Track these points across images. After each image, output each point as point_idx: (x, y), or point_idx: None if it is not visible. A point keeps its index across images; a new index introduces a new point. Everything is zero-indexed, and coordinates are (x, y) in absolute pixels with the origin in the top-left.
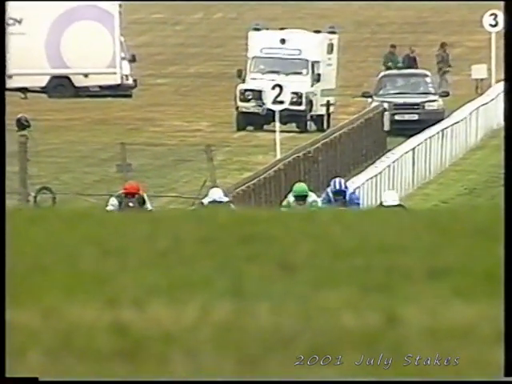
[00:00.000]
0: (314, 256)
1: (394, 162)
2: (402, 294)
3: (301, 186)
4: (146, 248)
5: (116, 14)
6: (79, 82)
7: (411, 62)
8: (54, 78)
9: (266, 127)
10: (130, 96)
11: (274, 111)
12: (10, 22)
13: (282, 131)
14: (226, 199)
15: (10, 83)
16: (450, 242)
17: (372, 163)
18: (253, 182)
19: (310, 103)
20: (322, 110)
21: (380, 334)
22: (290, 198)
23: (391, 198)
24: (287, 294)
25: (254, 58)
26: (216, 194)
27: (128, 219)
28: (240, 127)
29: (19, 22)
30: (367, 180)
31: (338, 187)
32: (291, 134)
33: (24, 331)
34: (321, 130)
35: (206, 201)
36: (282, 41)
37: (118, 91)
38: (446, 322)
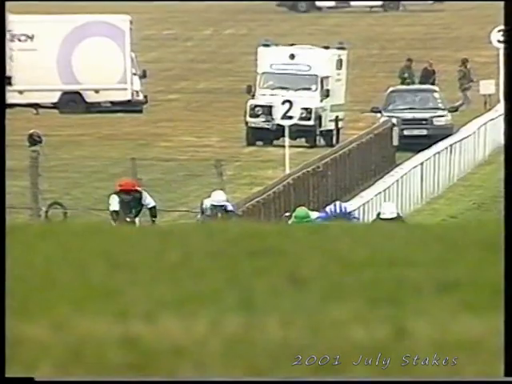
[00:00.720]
0: (323, 269)
1: (402, 176)
2: (411, 307)
3: (302, 211)
4: (156, 262)
5: (127, 31)
6: (90, 97)
7: (429, 76)
8: (66, 93)
9: (275, 142)
10: (140, 111)
11: (283, 126)
12: (22, 38)
13: (291, 146)
14: (227, 204)
15: (22, 99)
16: (458, 255)
17: (381, 178)
18: (262, 196)
19: (319, 118)
20: (331, 125)
21: (389, 347)
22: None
23: (389, 211)
24: (296, 307)
25: (263, 73)
26: (218, 197)
27: (138, 233)
28: (250, 142)
29: (31, 38)
30: (376, 195)
31: (338, 211)
32: (300, 149)
33: (35, 344)
34: (330, 145)
35: (207, 202)
36: (292, 56)
37: (128, 107)
38: (454, 335)
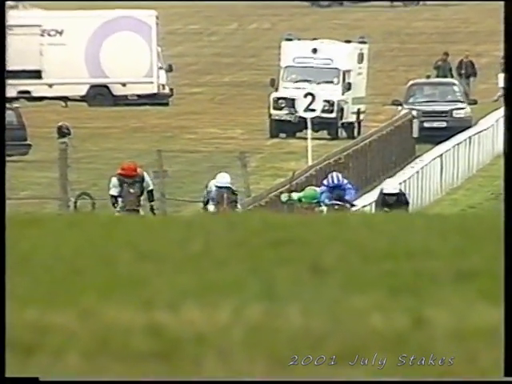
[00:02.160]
0: (344, 260)
1: (422, 168)
2: (430, 296)
3: (311, 192)
4: (180, 252)
5: (153, 25)
6: (118, 91)
7: (468, 67)
8: (94, 87)
9: (298, 134)
10: (166, 104)
11: (306, 119)
12: (52, 33)
13: (313, 138)
14: (232, 186)
15: (51, 92)
16: (476, 245)
17: (401, 169)
18: (285, 187)
19: (341, 111)
20: (353, 118)
21: (408, 336)
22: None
23: (392, 186)
24: (317, 296)
25: (286, 67)
26: (223, 178)
27: (163, 224)
28: (273, 134)
29: (60, 33)
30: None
31: (336, 182)
32: (323, 141)
33: (62, 333)
34: (351, 137)
35: (212, 184)
36: (314, 50)
37: (155, 100)
38: (472, 324)
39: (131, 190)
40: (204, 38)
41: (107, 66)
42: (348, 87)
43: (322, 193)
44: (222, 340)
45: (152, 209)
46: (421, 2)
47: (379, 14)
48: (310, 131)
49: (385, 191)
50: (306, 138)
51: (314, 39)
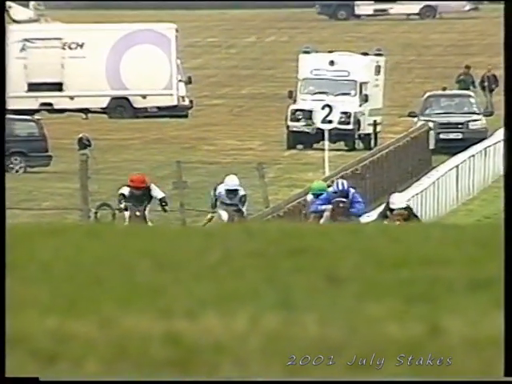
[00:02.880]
0: (360, 268)
1: (438, 178)
2: (445, 305)
3: (319, 184)
4: (198, 261)
5: (173, 38)
6: (138, 103)
7: (491, 81)
8: (114, 99)
9: (315, 146)
10: (186, 116)
11: (323, 130)
12: (73, 46)
13: (330, 149)
14: (240, 189)
15: (72, 104)
16: (491, 255)
17: (417, 180)
18: (303, 198)
19: (358, 122)
20: (370, 129)
21: (423, 344)
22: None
23: (398, 201)
24: (333, 305)
25: (304, 79)
26: (231, 181)
27: (181, 233)
28: (290, 146)
29: (81, 46)
30: (413, 196)
31: (340, 188)
32: (340, 152)
33: (82, 341)
34: (368, 148)
35: (221, 188)
36: (331, 63)
37: (174, 112)
38: (487, 333)
39: (137, 213)
40: (223, 51)
41: (127, 78)
42: (365, 99)
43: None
44: (239, 348)
45: (165, 210)
46: (437, 15)
47: (396, 27)
48: (327, 142)
49: (392, 206)
50: (323, 149)
51: (331, 52)
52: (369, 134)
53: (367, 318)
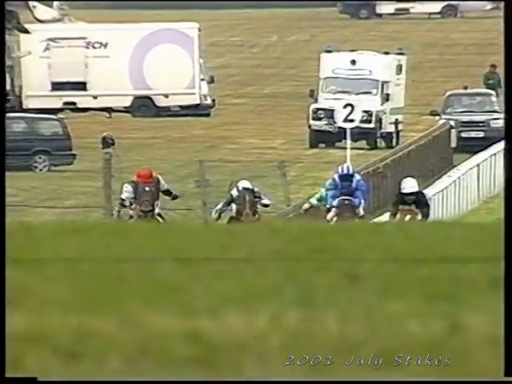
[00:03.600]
0: (380, 266)
1: (459, 177)
2: (466, 302)
3: (319, 194)
4: (220, 259)
5: (195, 38)
6: (160, 102)
7: None
8: (137, 98)
9: (337, 144)
10: (208, 115)
11: (345, 129)
12: (96, 45)
13: (352, 148)
14: (254, 188)
15: (96, 104)
16: None
17: (439, 178)
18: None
19: (379, 121)
20: (391, 128)
21: (444, 342)
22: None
23: (409, 185)
24: (354, 302)
25: (325, 78)
26: (245, 183)
27: (205, 232)
28: (312, 144)
29: (104, 45)
30: (434, 194)
31: (345, 171)
32: (361, 151)
33: (105, 339)
34: (390, 146)
35: (235, 192)
36: (353, 62)
37: (197, 111)
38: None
39: (146, 188)
40: (245, 50)
41: (150, 77)
42: (386, 98)
43: (329, 189)
44: (261, 345)
45: (174, 198)
46: (458, 14)
47: (418, 26)
48: (349, 141)
49: (403, 191)
50: (345, 148)
51: (353, 51)
52: (390, 133)
53: (388, 315)
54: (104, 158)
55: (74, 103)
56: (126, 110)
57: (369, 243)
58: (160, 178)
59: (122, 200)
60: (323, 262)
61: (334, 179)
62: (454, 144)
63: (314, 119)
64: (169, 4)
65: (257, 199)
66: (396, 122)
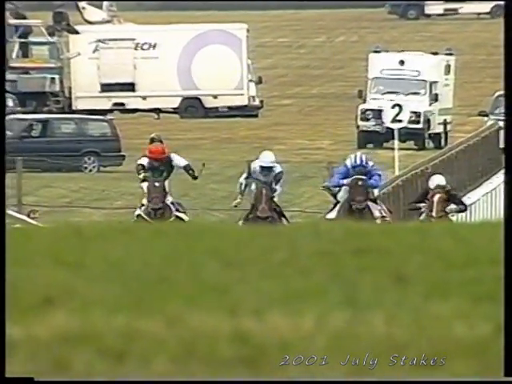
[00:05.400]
0: (426, 267)
1: None
2: None
3: (269, 155)
4: (264, 260)
5: (244, 39)
6: (209, 103)
7: None
8: (186, 99)
9: (385, 145)
10: (256, 116)
11: (393, 129)
12: (145, 46)
13: (400, 149)
14: (277, 166)
15: (145, 105)
16: None
17: (487, 179)
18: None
19: (427, 122)
20: (440, 129)
21: (491, 343)
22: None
23: (437, 180)
24: (400, 304)
25: (374, 78)
26: (267, 157)
27: (249, 233)
28: (360, 145)
29: (153, 46)
30: (483, 195)
31: (358, 162)
32: (409, 152)
33: (150, 339)
34: (438, 147)
35: (255, 164)
36: (401, 62)
37: (245, 111)
38: None
39: (156, 184)
40: (293, 51)
41: (199, 78)
42: (435, 98)
43: (339, 179)
44: (306, 347)
45: (195, 177)
46: None
47: (466, 26)
48: (397, 142)
49: (430, 186)
50: (393, 149)
51: (402, 51)
52: (439, 134)
53: (433, 317)
54: None
55: (122, 104)
56: (174, 110)
57: (414, 244)
58: (175, 155)
59: (141, 165)
60: (368, 263)
61: (346, 166)
62: (502, 145)
63: (362, 120)
64: (217, 5)
65: (278, 176)
66: (444, 123)
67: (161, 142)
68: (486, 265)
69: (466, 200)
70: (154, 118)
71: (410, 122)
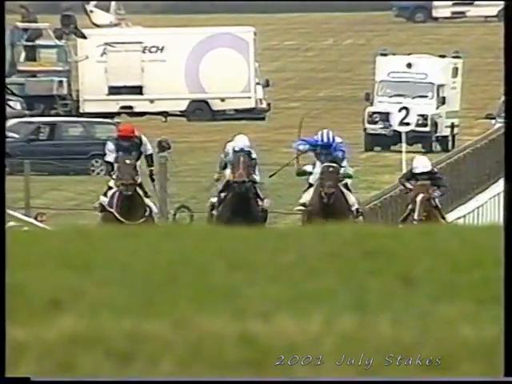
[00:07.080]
0: (434, 270)
1: None
2: None
3: (243, 139)
4: (272, 262)
5: (251, 42)
6: (216, 106)
7: None
8: (193, 102)
9: (392, 148)
10: (263, 119)
11: (400, 132)
12: (153, 49)
13: (408, 152)
14: (251, 150)
15: (152, 108)
16: None
17: (495, 182)
18: (379, 200)
19: (435, 125)
20: (447, 132)
21: (498, 346)
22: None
23: (422, 165)
24: (408, 306)
25: (381, 81)
26: (241, 141)
27: (257, 235)
28: (368, 148)
29: (161, 49)
30: (490, 198)
31: (325, 140)
32: (417, 155)
33: (157, 341)
34: (445, 150)
35: (229, 148)
36: (409, 65)
37: (252, 114)
38: None
39: (127, 161)
40: (300, 54)
41: (206, 81)
42: (442, 101)
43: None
44: (314, 349)
45: (151, 174)
46: None
47: (474, 29)
48: (404, 145)
49: (414, 171)
50: (400, 152)
51: (409, 54)
52: (446, 137)
53: (441, 319)
54: (160, 161)
55: (130, 107)
56: (182, 113)
57: (422, 247)
58: (144, 138)
59: (108, 163)
60: (376, 265)
61: (311, 142)
62: None
63: (369, 122)
64: (224, 8)
65: (253, 162)
66: (452, 126)
67: (168, 145)
68: (492, 267)
69: (474, 203)
70: (161, 120)
71: (418, 125)
